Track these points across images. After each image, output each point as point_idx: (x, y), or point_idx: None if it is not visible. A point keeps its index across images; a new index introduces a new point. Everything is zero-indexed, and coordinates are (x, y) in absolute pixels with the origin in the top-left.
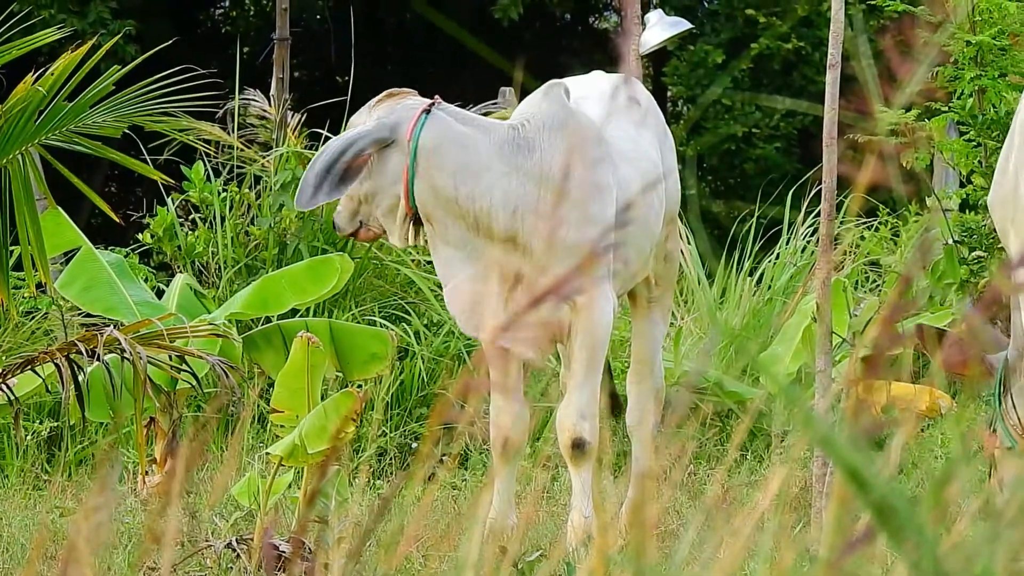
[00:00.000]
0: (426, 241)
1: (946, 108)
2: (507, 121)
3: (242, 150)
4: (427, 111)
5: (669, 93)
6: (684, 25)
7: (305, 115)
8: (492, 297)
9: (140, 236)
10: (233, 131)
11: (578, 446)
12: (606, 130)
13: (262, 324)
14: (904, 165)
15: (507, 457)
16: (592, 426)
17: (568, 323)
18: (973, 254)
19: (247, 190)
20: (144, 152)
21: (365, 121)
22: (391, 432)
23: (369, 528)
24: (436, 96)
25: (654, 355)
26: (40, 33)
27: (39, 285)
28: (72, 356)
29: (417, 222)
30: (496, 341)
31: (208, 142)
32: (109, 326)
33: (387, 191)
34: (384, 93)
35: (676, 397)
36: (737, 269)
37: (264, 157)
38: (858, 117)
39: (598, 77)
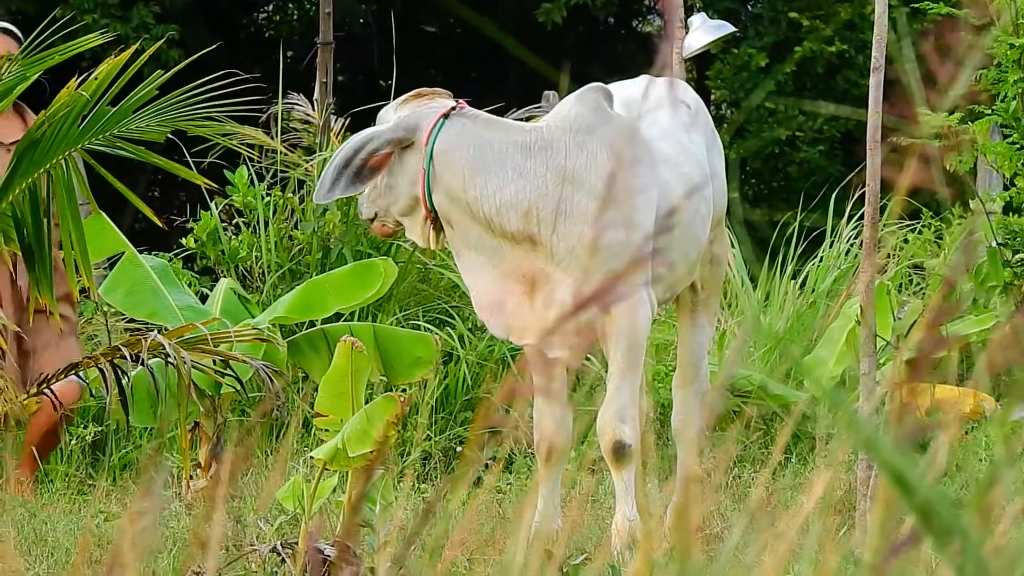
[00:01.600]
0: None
1: (989, 111)
2: (531, 123)
3: (285, 154)
4: (446, 115)
5: (713, 96)
6: (727, 28)
7: (348, 119)
8: (515, 299)
9: (183, 241)
10: (276, 135)
11: (619, 449)
12: (646, 132)
13: (306, 328)
14: (947, 168)
15: (551, 461)
16: (632, 428)
17: (604, 326)
18: (1017, 257)
19: (291, 194)
20: (187, 156)
21: (389, 119)
22: (436, 436)
23: (414, 532)
24: (461, 101)
25: (700, 359)
26: (83, 38)
27: (83, 290)
28: (116, 361)
29: (438, 225)
30: (538, 345)
31: (251, 146)
32: (153, 331)
33: (405, 192)
34: (412, 92)
35: (714, 398)
36: (780, 272)
37: (308, 161)
38: (901, 121)
39: (644, 80)
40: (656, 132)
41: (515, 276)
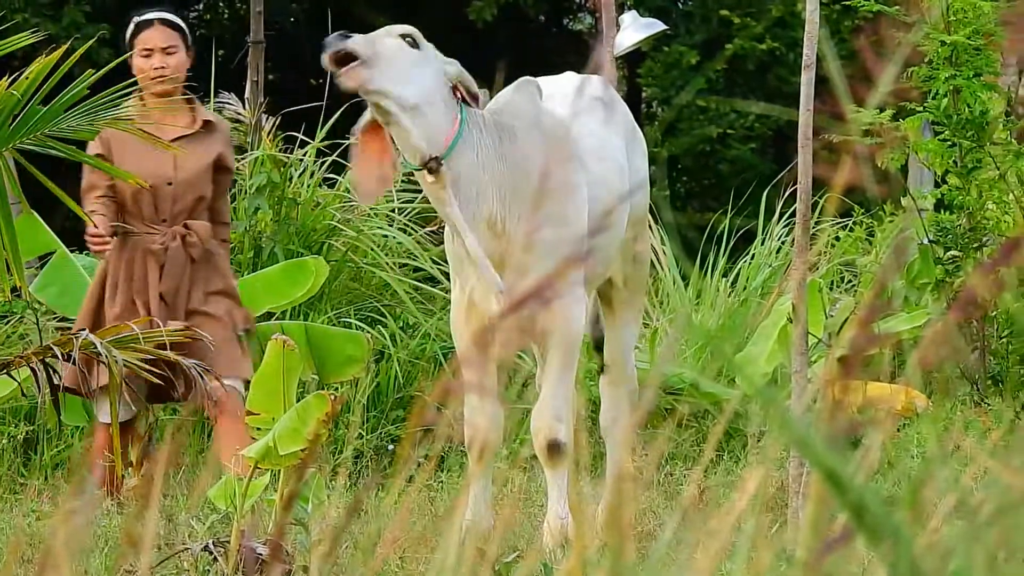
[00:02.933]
0: (440, 231)
1: (920, 108)
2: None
3: None
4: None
5: (644, 94)
6: (658, 26)
7: (280, 118)
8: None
9: None
10: None
11: (553, 448)
12: (572, 128)
13: None
14: (879, 165)
15: (483, 458)
16: (567, 427)
17: (540, 324)
18: (948, 254)
19: None
20: None
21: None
22: (368, 435)
23: (342, 527)
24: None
25: (626, 357)
26: (13, 37)
27: (14, 289)
28: (48, 360)
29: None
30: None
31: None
32: (84, 329)
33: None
34: None
35: (645, 396)
36: (712, 270)
37: (239, 160)
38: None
39: (569, 77)
40: (579, 127)
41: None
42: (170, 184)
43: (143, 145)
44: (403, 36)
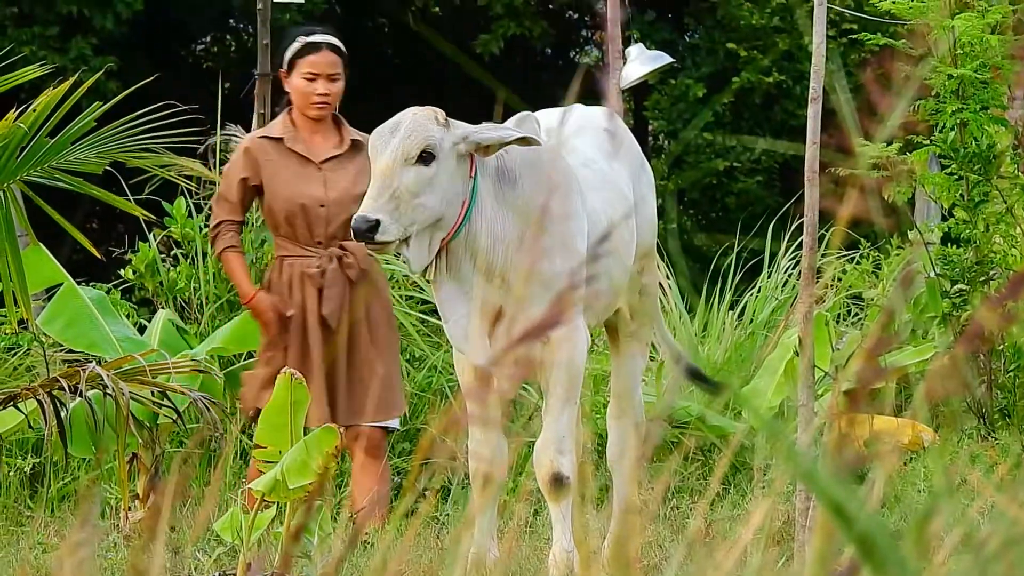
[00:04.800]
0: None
1: (927, 141)
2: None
3: None
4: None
5: (650, 127)
6: (665, 59)
7: None
8: (478, 332)
9: (122, 272)
10: (215, 167)
11: (556, 481)
12: (570, 159)
13: (244, 359)
14: (886, 198)
15: (487, 491)
16: (570, 460)
17: (542, 356)
18: (955, 287)
19: None
20: (126, 188)
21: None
22: None
23: (342, 556)
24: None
25: (634, 390)
26: (21, 71)
27: (21, 321)
28: (54, 392)
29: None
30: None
31: (189, 178)
32: (91, 362)
33: (436, 210)
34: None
35: (652, 429)
36: (718, 303)
37: None
38: (839, 152)
39: (575, 109)
40: (577, 159)
41: (484, 311)
42: (323, 206)
43: (295, 167)
44: (423, 150)
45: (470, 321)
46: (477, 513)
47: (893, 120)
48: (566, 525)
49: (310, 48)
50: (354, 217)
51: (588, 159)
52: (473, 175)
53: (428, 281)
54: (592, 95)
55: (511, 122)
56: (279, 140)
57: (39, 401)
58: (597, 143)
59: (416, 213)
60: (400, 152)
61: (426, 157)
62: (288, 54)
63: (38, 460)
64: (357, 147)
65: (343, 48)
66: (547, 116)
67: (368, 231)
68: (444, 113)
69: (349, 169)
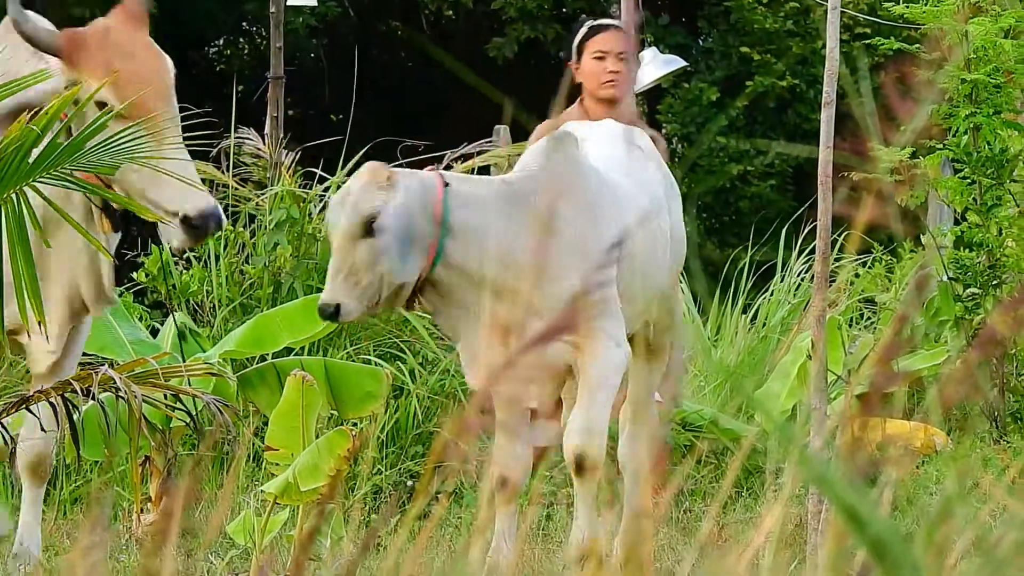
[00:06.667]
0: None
1: (941, 145)
2: (502, 176)
3: (236, 189)
4: (446, 184)
5: (664, 131)
6: (678, 63)
7: (299, 154)
8: (492, 348)
9: (135, 275)
10: (227, 170)
11: (581, 460)
12: (605, 170)
13: (257, 363)
14: (899, 203)
15: (507, 497)
16: (600, 443)
17: (571, 363)
18: (968, 291)
19: (242, 229)
20: None
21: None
22: (386, 470)
23: (356, 560)
24: (433, 166)
25: (648, 397)
26: (34, 73)
27: None
28: (67, 395)
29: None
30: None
31: (202, 181)
32: (104, 365)
33: (398, 273)
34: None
35: (662, 431)
36: (732, 306)
37: (258, 196)
38: (853, 156)
39: (608, 125)
40: (616, 171)
41: (495, 327)
42: None
43: None
44: (367, 222)
45: (478, 342)
46: (497, 519)
47: (914, 124)
48: (590, 508)
49: (596, 29)
50: (318, 305)
51: (626, 171)
52: (442, 209)
53: (426, 314)
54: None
55: (548, 143)
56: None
57: (52, 404)
58: (630, 154)
59: (379, 283)
60: (347, 230)
61: (373, 230)
62: (575, 40)
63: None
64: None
65: (629, 32)
66: (579, 129)
67: (331, 316)
68: (389, 173)
69: None
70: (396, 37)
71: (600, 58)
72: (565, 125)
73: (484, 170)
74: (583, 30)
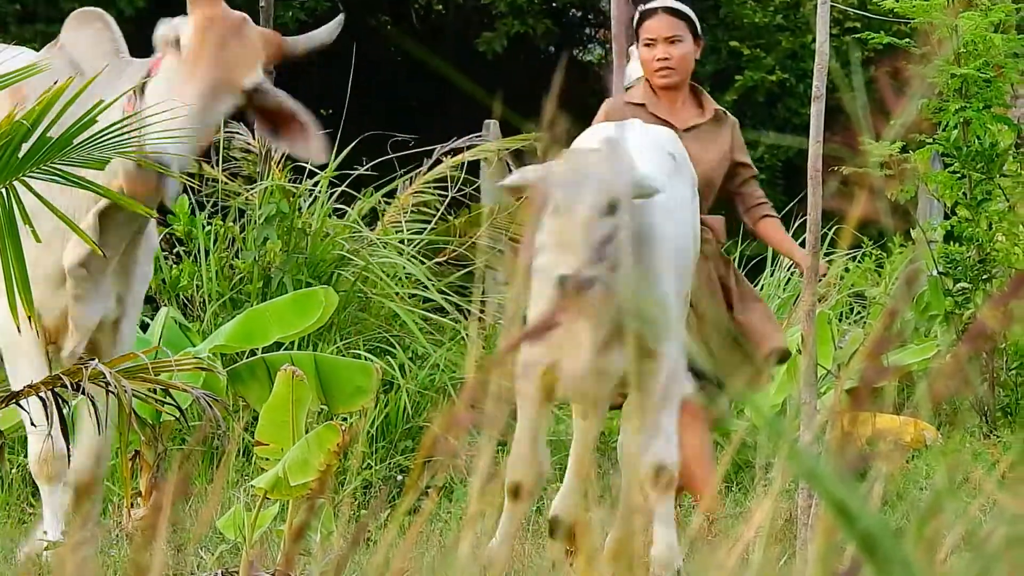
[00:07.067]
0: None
1: (931, 140)
2: None
3: (226, 184)
4: None
5: None
6: None
7: None
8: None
9: None
10: (217, 164)
11: (660, 471)
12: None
13: (247, 357)
14: (889, 197)
15: (519, 500)
16: (673, 452)
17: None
18: (958, 286)
19: (231, 223)
20: None
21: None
22: (376, 465)
23: (345, 555)
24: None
25: (650, 397)
26: (23, 68)
27: None
28: (57, 389)
29: None
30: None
31: (192, 175)
32: (94, 359)
33: None
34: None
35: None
36: None
37: (248, 191)
38: (843, 150)
39: (634, 124)
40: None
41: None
42: None
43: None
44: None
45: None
46: (504, 520)
47: (904, 118)
48: (669, 520)
49: (645, 15)
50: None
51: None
52: None
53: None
54: (595, 93)
55: (605, 150)
56: (641, 106)
57: (41, 398)
58: (660, 164)
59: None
60: (595, 207)
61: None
62: (635, 27)
63: None
64: (719, 117)
65: (685, 10)
66: (607, 131)
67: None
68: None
69: (712, 139)
70: (386, 31)
71: (650, 45)
72: (623, 122)
73: (474, 165)
74: (636, 16)
